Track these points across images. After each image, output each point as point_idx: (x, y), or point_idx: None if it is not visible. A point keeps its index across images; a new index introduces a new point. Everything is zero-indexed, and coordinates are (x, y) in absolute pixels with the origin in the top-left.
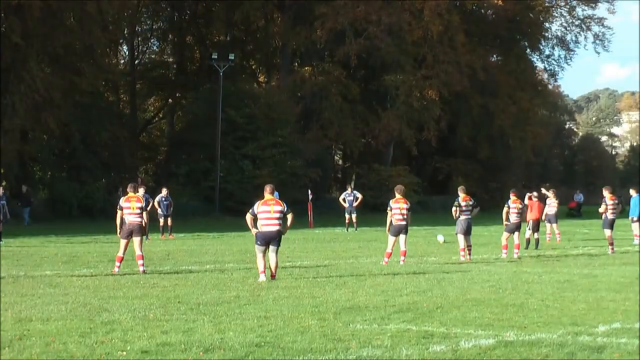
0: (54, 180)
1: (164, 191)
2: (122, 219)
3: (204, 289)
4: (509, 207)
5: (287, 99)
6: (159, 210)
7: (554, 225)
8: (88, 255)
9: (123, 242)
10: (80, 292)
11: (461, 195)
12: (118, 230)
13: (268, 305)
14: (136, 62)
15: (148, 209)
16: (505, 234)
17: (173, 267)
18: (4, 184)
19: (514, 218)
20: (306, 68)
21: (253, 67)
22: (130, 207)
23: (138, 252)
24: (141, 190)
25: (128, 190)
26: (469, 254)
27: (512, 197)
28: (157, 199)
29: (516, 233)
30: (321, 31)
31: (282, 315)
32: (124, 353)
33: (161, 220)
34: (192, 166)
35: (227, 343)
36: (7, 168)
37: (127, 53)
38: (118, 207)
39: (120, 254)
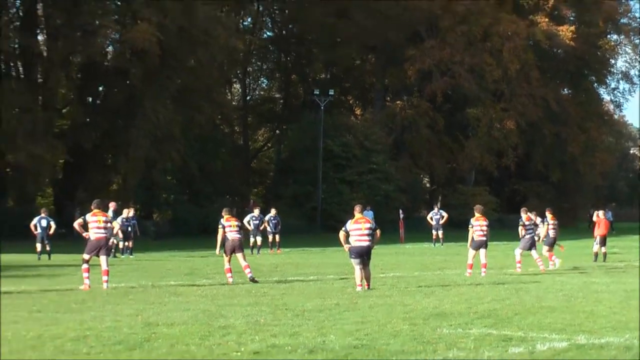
0: (177, 203)
1: (273, 211)
2: (223, 237)
3: (308, 297)
4: (548, 224)
5: (380, 130)
6: (268, 228)
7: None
8: (206, 267)
9: (226, 258)
10: (200, 300)
11: (524, 215)
12: (218, 248)
13: (364, 312)
14: (248, 98)
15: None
16: (545, 247)
17: (280, 278)
18: (134, 207)
19: (552, 233)
20: (397, 102)
21: (350, 101)
22: (231, 225)
23: (244, 263)
24: (256, 211)
25: (223, 213)
26: (542, 264)
27: (549, 214)
28: (266, 218)
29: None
30: (411, 71)
31: (377, 321)
32: (239, 354)
33: (270, 237)
34: (297, 189)
35: (329, 345)
36: (133, 192)
37: (240, 90)
38: (220, 225)
39: (226, 266)
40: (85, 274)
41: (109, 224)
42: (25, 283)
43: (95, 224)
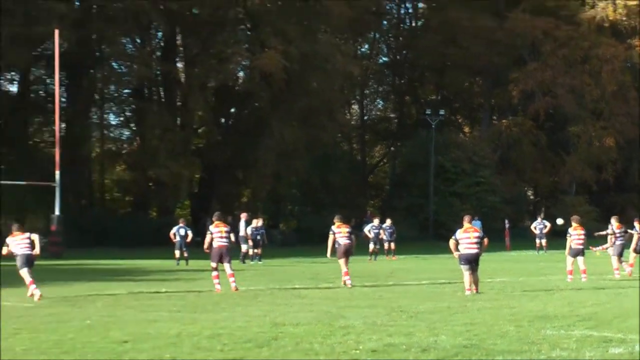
0: (301, 214)
1: (388, 221)
2: (334, 242)
3: (421, 300)
4: (638, 233)
5: (486, 147)
6: (384, 237)
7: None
8: (328, 272)
9: (341, 260)
10: (322, 302)
11: (615, 224)
12: (329, 252)
13: (473, 314)
14: (365, 117)
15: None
16: (633, 255)
17: (396, 282)
18: (263, 217)
19: None
20: (503, 121)
21: (459, 120)
22: (341, 231)
23: (344, 268)
24: (376, 221)
25: (335, 220)
26: (630, 269)
27: (637, 225)
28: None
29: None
30: (515, 92)
31: (485, 322)
32: (358, 352)
33: (386, 245)
34: (411, 202)
35: (440, 345)
36: (262, 204)
37: (358, 111)
38: (331, 232)
39: (343, 269)
40: (216, 280)
41: (230, 234)
42: (166, 286)
43: (218, 234)
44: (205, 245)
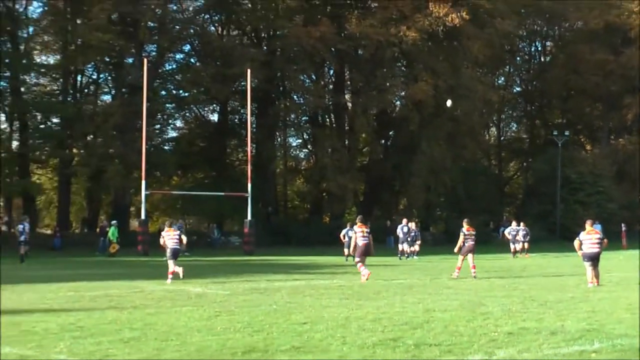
0: (448, 219)
1: (521, 224)
2: (463, 242)
3: (550, 291)
4: None
5: (605, 162)
6: (519, 238)
7: None
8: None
9: (470, 256)
10: (466, 292)
11: None
12: (457, 248)
13: (594, 303)
14: (502, 138)
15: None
16: None
17: (528, 276)
18: (416, 220)
19: None
20: (619, 140)
21: (582, 140)
22: (470, 233)
23: (472, 263)
24: (514, 224)
25: (464, 223)
26: None
27: None
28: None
29: None
30: (629, 115)
31: (605, 310)
32: (496, 334)
33: (520, 245)
34: (541, 208)
35: (566, 329)
36: (416, 210)
37: (495, 132)
38: (461, 232)
39: (459, 264)
40: (363, 270)
41: (370, 234)
42: (337, 278)
43: (360, 233)
44: (352, 244)
